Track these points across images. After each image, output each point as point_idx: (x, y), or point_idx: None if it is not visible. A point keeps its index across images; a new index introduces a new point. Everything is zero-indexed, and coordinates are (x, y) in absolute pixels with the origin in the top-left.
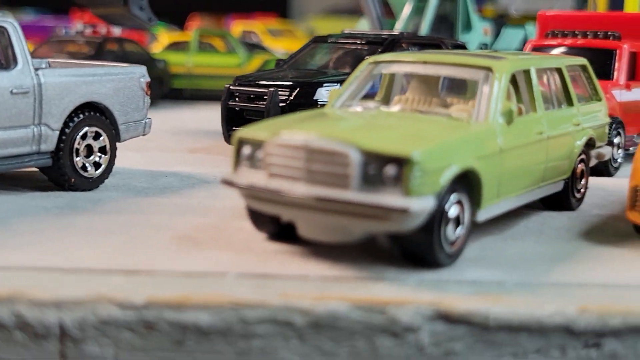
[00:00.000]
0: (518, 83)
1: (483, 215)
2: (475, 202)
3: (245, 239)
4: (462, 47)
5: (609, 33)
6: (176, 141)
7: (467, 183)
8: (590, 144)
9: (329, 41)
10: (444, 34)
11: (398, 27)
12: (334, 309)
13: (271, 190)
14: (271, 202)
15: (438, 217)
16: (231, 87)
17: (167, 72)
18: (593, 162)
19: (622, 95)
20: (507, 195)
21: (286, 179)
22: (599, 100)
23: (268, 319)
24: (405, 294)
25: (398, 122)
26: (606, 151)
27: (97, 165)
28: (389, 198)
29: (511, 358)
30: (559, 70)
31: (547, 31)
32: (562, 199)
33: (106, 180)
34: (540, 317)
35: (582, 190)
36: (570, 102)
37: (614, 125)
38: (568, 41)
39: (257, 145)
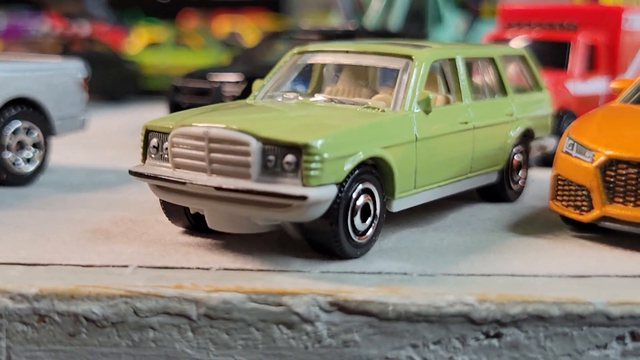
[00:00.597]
0: (445, 72)
1: (398, 205)
2: (388, 192)
3: (159, 232)
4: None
5: (565, 24)
6: (131, 139)
7: (378, 172)
8: (528, 135)
9: (283, 37)
10: (415, 29)
11: (369, 23)
12: (228, 300)
13: (176, 180)
14: (178, 194)
15: (343, 206)
16: (175, 83)
17: (137, 72)
18: (535, 154)
19: (577, 87)
20: (427, 185)
21: (190, 169)
22: (540, 90)
23: (161, 310)
24: (303, 284)
25: (308, 112)
26: (549, 143)
27: (30, 161)
28: (288, 187)
29: (411, 349)
30: (491, 60)
31: (506, 23)
32: (498, 191)
33: (43, 177)
34: (440, 307)
35: (519, 182)
36: (504, 92)
37: (564, 117)
38: (524, 33)
39: (163, 135)
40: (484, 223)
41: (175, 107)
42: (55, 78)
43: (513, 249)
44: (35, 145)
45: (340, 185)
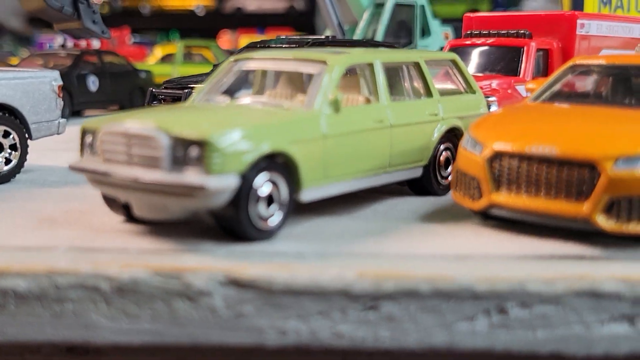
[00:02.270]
0: (365, 76)
1: (308, 195)
2: (297, 183)
3: (101, 221)
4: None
5: (521, 32)
6: None
7: (286, 165)
8: (457, 134)
9: (259, 46)
10: (402, 39)
11: (357, 33)
12: (135, 276)
13: (102, 173)
14: (108, 185)
15: (245, 194)
16: (154, 90)
17: (149, 82)
18: None
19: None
20: (338, 178)
21: (114, 163)
22: (473, 92)
23: (78, 284)
24: (204, 262)
25: (224, 112)
26: None
27: (8, 161)
28: (191, 177)
29: (296, 319)
30: (416, 65)
31: (468, 31)
32: (425, 185)
33: (22, 176)
34: (321, 282)
35: (448, 177)
36: (429, 94)
37: None
38: (480, 40)
39: (95, 133)
40: (400, 213)
41: None
42: (31, 86)
43: (411, 234)
44: (12, 147)
45: (242, 175)
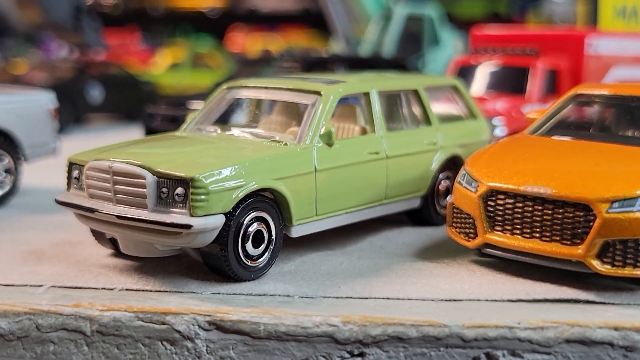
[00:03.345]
0: (361, 105)
1: (298, 231)
2: (286, 219)
3: (88, 254)
4: (401, 65)
5: (527, 50)
6: None
7: (275, 201)
8: (457, 162)
9: (262, 63)
10: (412, 51)
11: (366, 46)
12: (118, 318)
13: (87, 209)
14: (94, 221)
15: (233, 233)
16: (149, 110)
17: (153, 93)
18: None
19: None
20: (330, 212)
21: (100, 199)
22: (475, 118)
23: (60, 326)
24: (187, 305)
25: (213, 147)
26: None
27: (2, 185)
28: (176, 216)
29: None
30: (415, 92)
31: (474, 49)
32: (424, 215)
33: (16, 199)
34: (307, 327)
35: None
36: (428, 122)
37: None
38: (486, 58)
39: (81, 167)
40: (395, 247)
41: (149, 132)
42: (25, 109)
43: (403, 274)
44: (7, 171)
45: (229, 214)
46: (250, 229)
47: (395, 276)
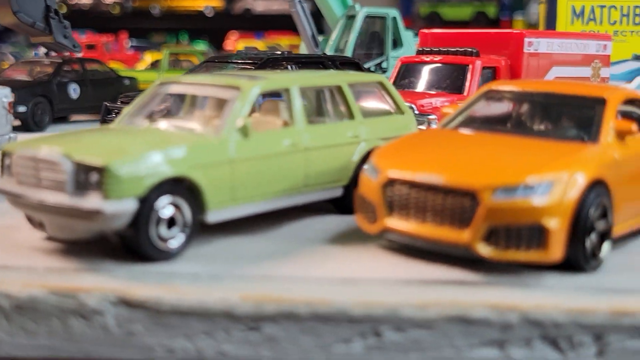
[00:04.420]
0: (284, 100)
1: (214, 217)
2: (202, 205)
3: (24, 238)
4: (354, 63)
5: (468, 50)
6: None
7: (190, 188)
8: None
9: (217, 60)
10: (375, 51)
11: (330, 45)
12: (34, 295)
13: (16, 194)
14: (23, 205)
15: (145, 217)
16: (108, 104)
17: (134, 87)
18: None
19: None
20: (247, 200)
21: (27, 185)
22: (402, 114)
23: None
24: (99, 282)
25: (134, 137)
26: None
27: None
28: (90, 201)
29: (183, 338)
30: (339, 88)
31: (421, 48)
32: (346, 204)
33: None
34: (207, 303)
35: None
36: (351, 116)
37: None
38: (429, 57)
39: (11, 156)
40: (313, 233)
41: None
42: None
43: (311, 257)
44: None
45: (142, 199)
46: (163, 214)
47: (303, 258)
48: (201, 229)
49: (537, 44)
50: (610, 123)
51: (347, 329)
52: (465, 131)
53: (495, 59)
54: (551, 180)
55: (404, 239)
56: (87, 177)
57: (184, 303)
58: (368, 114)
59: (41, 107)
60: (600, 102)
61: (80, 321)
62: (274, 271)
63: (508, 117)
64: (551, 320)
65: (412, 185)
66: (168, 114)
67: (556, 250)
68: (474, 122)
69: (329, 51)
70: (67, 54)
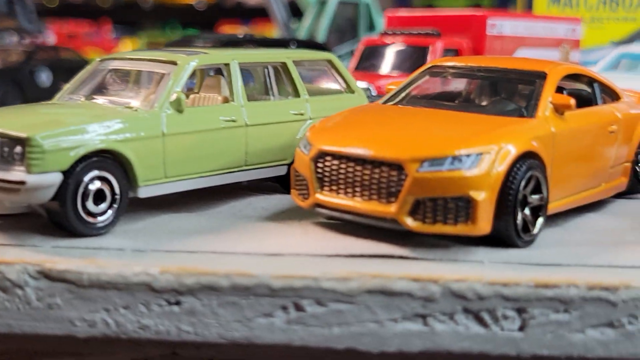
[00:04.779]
0: (225, 76)
1: (145, 192)
2: (132, 180)
3: None
4: (319, 47)
5: (430, 31)
6: None
7: (119, 162)
8: None
9: (179, 43)
10: (348, 36)
11: (303, 31)
12: None
13: None
14: None
15: (71, 190)
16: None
17: None
18: None
19: None
20: (181, 175)
21: None
22: (352, 92)
23: None
24: (21, 256)
25: (65, 111)
26: None
27: None
28: (12, 173)
29: (104, 312)
30: (283, 65)
31: (386, 30)
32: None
33: None
34: (127, 276)
35: None
36: (296, 94)
37: None
38: (390, 40)
39: None
40: (252, 210)
41: None
42: None
43: (242, 232)
44: None
45: (67, 172)
46: (90, 187)
47: (234, 234)
48: (136, 205)
49: (501, 26)
50: (548, 98)
51: (268, 303)
52: (403, 107)
53: (457, 40)
54: (479, 153)
55: (334, 213)
56: (12, 150)
57: (104, 276)
58: (315, 92)
59: (11, 94)
60: (541, 77)
61: (1, 295)
62: (200, 246)
63: (449, 92)
64: (474, 292)
65: (342, 158)
66: (107, 89)
67: (484, 223)
68: (414, 98)
69: (302, 37)
70: (39, 41)
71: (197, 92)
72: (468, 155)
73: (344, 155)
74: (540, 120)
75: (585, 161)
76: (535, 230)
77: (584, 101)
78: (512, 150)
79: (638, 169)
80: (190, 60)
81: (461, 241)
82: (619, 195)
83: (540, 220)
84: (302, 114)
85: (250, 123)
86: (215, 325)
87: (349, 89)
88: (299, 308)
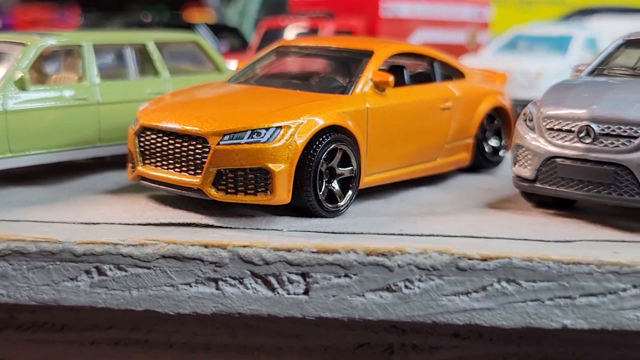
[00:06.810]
0: (79, 57)
1: None
2: None
3: None
4: (232, 30)
5: (323, 13)
6: None
7: None
8: None
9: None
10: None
11: (233, 13)
12: None
13: None
14: None
15: None
16: None
17: None
18: None
19: None
20: (26, 150)
21: None
22: (220, 72)
23: None
24: None
25: None
26: None
27: None
28: None
29: None
30: (143, 46)
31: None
32: None
33: None
34: None
35: None
36: (156, 74)
37: None
38: (287, 21)
39: None
40: (105, 184)
41: None
42: None
43: (74, 203)
44: None
45: None
46: None
47: (65, 205)
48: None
49: (397, 9)
50: (368, 75)
51: (73, 268)
52: (235, 85)
53: (350, 23)
54: (278, 127)
55: (154, 185)
56: None
57: None
58: (178, 71)
59: None
60: (368, 55)
61: None
62: (26, 216)
63: (286, 71)
64: (260, 257)
65: (159, 133)
66: None
67: (282, 193)
68: (252, 77)
69: (235, 19)
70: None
71: (60, 73)
72: (267, 129)
73: (160, 129)
74: (356, 96)
75: (410, 136)
76: (343, 202)
77: (422, 79)
78: (315, 125)
79: (484, 146)
80: (39, 42)
81: (271, 211)
82: (467, 171)
83: (350, 192)
84: (160, 93)
85: (103, 101)
86: (26, 288)
87: (217, 69)
88: (101, 272)
